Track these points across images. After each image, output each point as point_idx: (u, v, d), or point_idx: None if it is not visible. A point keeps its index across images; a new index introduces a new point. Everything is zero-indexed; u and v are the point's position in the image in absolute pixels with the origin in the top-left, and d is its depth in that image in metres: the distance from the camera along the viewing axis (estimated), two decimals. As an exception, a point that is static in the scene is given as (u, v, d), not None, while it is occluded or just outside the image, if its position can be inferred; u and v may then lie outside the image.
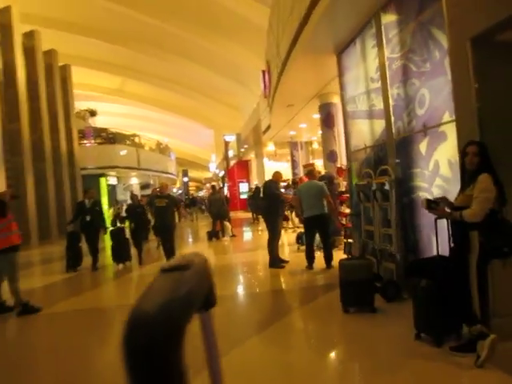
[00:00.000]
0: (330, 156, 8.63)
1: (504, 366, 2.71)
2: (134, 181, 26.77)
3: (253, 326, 4.24)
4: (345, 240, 6.83)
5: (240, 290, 6.04)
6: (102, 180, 21.99)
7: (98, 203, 8.52)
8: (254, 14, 15.30)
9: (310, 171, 6.88)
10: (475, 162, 2.87)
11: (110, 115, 34.65)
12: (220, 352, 0.76)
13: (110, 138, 22.91)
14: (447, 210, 3.03)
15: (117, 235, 8.40)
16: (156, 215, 7.82)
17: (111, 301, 6.07)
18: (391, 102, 4.71)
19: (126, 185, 26.37)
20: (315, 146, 16.51)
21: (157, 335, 0.41)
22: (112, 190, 24.32)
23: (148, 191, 23.55)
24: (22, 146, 12.64)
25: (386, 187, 4.50)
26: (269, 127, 13.19)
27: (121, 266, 8.09)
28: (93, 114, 29.48)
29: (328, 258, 6.12)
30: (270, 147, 21.03)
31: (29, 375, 3.47)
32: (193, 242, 12.58)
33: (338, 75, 6.37)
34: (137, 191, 25.05)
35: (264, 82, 11.31)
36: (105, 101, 32.13)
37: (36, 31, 14.54)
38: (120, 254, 8.20)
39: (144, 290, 0.47)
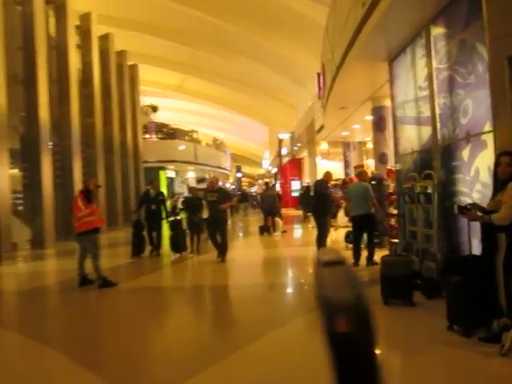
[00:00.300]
0: (381, 158, 8.89)
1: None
2: (191, 175, 28.12)
3: (299, 310, 4.77)
4: (391, 240, 7.12)
5: (289, 279, 6.57)
6: (162, 173, 23.45)
7: (161, 194, 9.20)
8: (312, 13, 15.57)
9: (360, 172, 7.23)
10: (507, 171, 3.17)
11: (169, 110, 36.36)
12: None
13: (170, 133, 24.37)
14: (478, 214, 3.35)
15: (175, 226, 8.92)
16: (208, 209, 7.96)
17: (174, 282, 6.88)
18: (437, 110, 5.00)
19: (183, 178, 27.76)
20: (369, 145, 16.57)
21: (362, 324, 0.41)
22: (170, 182, 25.83)
23: (203, 185, 24.75)
24: (95, 139, 14.02)
25: (429, 190, 4.81)
26: (322, 127, 13.56)
27: (177, 255, 8.61)
28: (154, 109, 31.19)
29: (370, 256, 6.47)
30: (324, 146, 21.26)
31: (99, 336, 4.26)
32: (245, 235, 13.26)
33: (388, 81, 6.67)
34: (193, 185, 26.41)
35: (319, 84, 11.70)
36: (165, 96, 33.74)
37: (110, 34, 15.91)
38: (177, 244, 8.70)
39: (317, 280, 0.52)
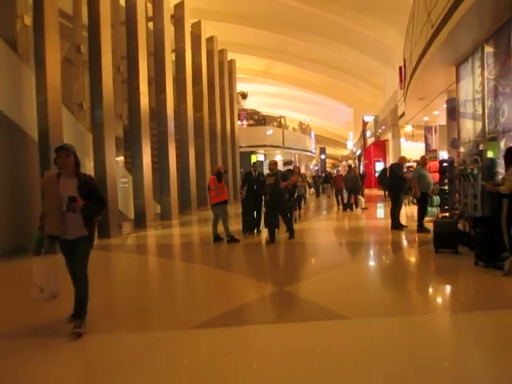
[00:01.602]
0: (453, 143, 10.35)
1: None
2: (278, 157, 30.62)
3: (370, 254, 6.93)
4: (453, 211, 8.81)
5: (368, 239, 8.65)
6: (253, 157, 26.30)
7: (262, 175, 9.82)
8: None
9: (421, 158, 8.99)
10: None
11: (257, 95, 38.94)
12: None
13: (260, 120, 27.02)
14: (491, 186, 5.19)
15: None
16: (269, 191, 8.44)
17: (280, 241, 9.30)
18: (486, 110, 6.66)
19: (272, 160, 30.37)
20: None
21: None
22: (260, 165, 28.62)
23: (290, 167, 27.06)
24: (203, 130, 17.00)
25: (475, 172, 6.57)
26: (403, 114, 14.98)
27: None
28: (244, 96, 33.97)
29: (419, 223, 8.32)
30: (408, 128, 22.27)
31: (240, 263, 6.81)
32: (330, 211, 15.33)
33: (455, 82, 8.28)
34: (280, 167, 28.94)
35: (400, 76, 13.14)
36: (253, 82, 36.21)
37: (214, 37, 18.54)
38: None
39: None
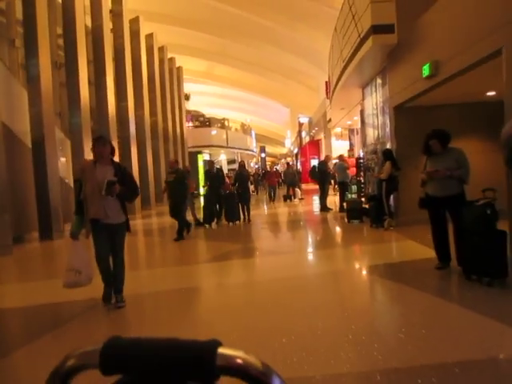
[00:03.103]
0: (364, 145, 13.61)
1: (395, 231, 7.92)
2: (223, 157, 33.19)
3: (309, 226, 9.82)
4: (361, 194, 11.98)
5: (303, 218, 11.55)
6: (200, 156, 28.62)
7: (220, 171, 10.89)
8: (329, 3, 19.30)
9: (339, 156, 12.12)
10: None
11: (199, 95, 40.74)
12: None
13: (205, 121, 29.41)
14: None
15: (229, 199, 10.60)
16: (168, 188, 8.75)
17: (235, 236, 11.90)
18: (379, 123, 9.75)
19: (216, 160, 32.85)
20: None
21: None
22: (205, 164, 30.97)
23: (234, 166, 29.69)
24: (158, 132, 19.09)
25: (372, 165, 9.63)
26: (330, 120, 18.28)
27: (231, 224, 10.57)
28: (187, 98, 35.93)
29: (340, 205, 11.36)
30: (338, 129, 25.85)
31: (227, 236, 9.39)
32: (272, 202, 18.21)
33: (362, 100, 11.42)
34: (224, 166, 31.51)
35: (327, 89, 16.30)
36: (194, 82, 37.81)
37: (154, 33, 20.24)
38: (232, 215, 10.54)
39: None
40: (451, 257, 4.85)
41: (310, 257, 6.84)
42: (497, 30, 4.53)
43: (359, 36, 8.39)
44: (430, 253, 5.23)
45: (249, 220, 10.83)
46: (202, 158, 28.44)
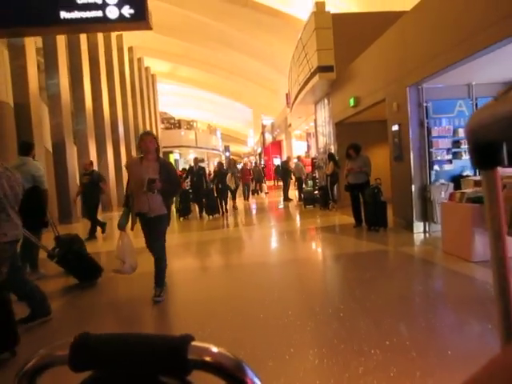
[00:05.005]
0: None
1: (336, 210, 11.42)
2: (192, 156, 36.09)
3: (274, 212, 13.21)
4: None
5: (268, 207, 14.89)
6: (171, 156, 31.44)
7: (202, 169, 12.59)
8: (290, 12, 22.52)
9: (298, 156, 15.57)
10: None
11: (164, 95, 42.77)
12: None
13: (175, 123, 32.26)
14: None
15: (208, 194, 12.14)
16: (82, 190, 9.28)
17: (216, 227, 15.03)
18: (326, 132, 13.28)
19: (186, 159, 35.72)
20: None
21: None
22: (175, 162, 33.79)
23: (202, 164, 32.67)
24: (129, 132, 21.85)
25: (321, 164, 13.16)
26: (290, 125, 21.83)
27: (211, 217, 12.20)
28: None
29: (299, 196, 14.83)
30: (297, 131, 29.49)
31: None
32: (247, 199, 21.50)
33: (315, 112, 14.93)
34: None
35: (287, 100, 19.76)
36: (159, 82, 39.77)
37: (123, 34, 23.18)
38: (212, 208, 12.14)
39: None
40: (362, 219, 8.34)
41: (279, 226, 10.22)
42: (384, 87, 8.04)
43: (310, 71, 11.83)
44: (352, 220, 8.71)
45: (226, 211, 12.52)
46: (172, 158, 31.32)
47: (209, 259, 7.23)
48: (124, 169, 18.39)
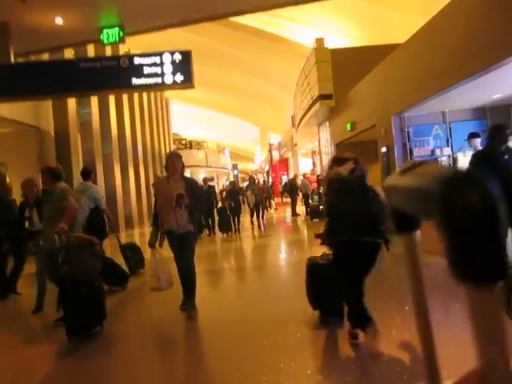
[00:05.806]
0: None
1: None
2: (202, 175, 37.82)
3: (283, 224, 14.71)
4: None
5: (282, 221, 16.35)
6: (183, 175, 33.09)
7: (212, 187, 13.97)
8: (296, 37, 24.11)
9: (303, 174, 17.10)
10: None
11: (176, 114, 44.40)
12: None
13: (187, 144, 34.08)
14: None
15: (222, 212, 12.65)
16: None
17: (232, 246, 16.49)
18: (329, 150, 14.80)
19: (197, 178, 37.43)
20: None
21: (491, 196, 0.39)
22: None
23: (212, 183, 34.25)
24: (154, 156, 23.53)
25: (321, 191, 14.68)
26: (296, 144, 23.46)
27: (225, 234, 12.51)
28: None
29: (306, 211, 16.29)
30: (303, 150, 31.09)
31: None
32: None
33: (318, 133, 16.52)
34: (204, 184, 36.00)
35: (293, 121, 21.40)
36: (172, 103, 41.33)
37: None
38: (225, 226, 12.33)
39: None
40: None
41: (287, 236, 11.67)
42: (374, 114, 9.60)
43: (312, 98, 13.46)
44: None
45: (238, 231, 12.55)
46: (185, 177, 32.96)
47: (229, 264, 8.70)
48: (143, 187, 20.05)
